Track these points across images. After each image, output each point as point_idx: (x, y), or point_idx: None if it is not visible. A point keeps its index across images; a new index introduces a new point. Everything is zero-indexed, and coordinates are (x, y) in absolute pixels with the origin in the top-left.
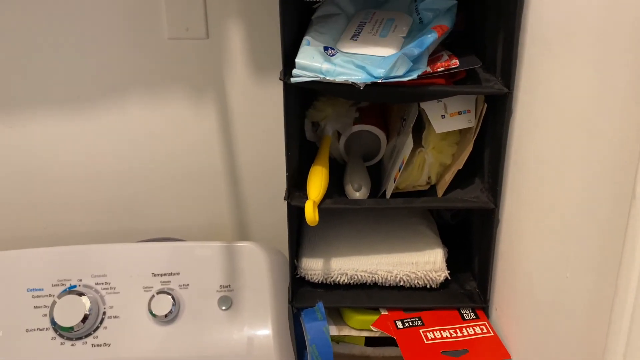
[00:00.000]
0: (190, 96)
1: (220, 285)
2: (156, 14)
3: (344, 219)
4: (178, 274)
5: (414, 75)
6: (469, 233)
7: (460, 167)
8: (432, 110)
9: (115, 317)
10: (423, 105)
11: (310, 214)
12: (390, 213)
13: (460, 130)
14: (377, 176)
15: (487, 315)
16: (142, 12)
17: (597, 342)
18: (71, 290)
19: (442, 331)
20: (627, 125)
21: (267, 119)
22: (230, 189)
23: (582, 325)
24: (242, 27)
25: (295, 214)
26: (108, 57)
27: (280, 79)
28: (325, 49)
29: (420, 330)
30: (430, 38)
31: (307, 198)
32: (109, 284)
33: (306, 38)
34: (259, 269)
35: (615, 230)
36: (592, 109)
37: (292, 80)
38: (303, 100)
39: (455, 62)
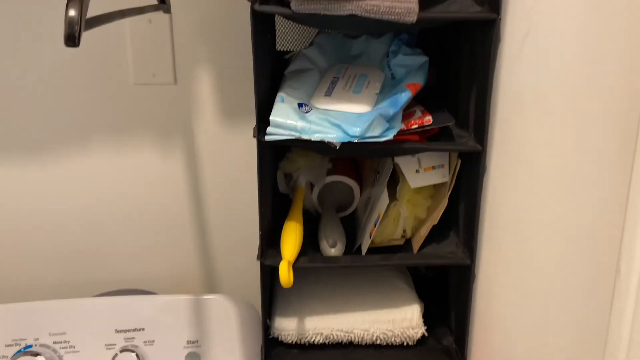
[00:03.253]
0: (157, 143)
1: (187, 341)
2: (122, 60)
3: (318, 275)
4: (143, 329)
5: (390, 136)
6: (445, 286)
7: (436, 222)
8: (406, 165)
9: None
10: (397, 159)
11: (285, 276)
12: (366, 268)
13: (435, 185)
14: (351, 227)
15: None
16: (108, 57)
17: None
18: (27, 351)
19: None
20: (604, 183)
21: (236, 165)
22: (199, 238)
23: None
24: (211, 73)
25: (269, 273)
26: (73, 102)
27: (254, 137)
28: (300, 105)
29: None
30: (405, 97)
31: (280, 257)
32: (68, 342)
33: (280, 94)
34: (229, 323)
35: (600, 286)
36: (567, 167)
37: (267, 138)
38: (275, 152)
39: (428, 120)
